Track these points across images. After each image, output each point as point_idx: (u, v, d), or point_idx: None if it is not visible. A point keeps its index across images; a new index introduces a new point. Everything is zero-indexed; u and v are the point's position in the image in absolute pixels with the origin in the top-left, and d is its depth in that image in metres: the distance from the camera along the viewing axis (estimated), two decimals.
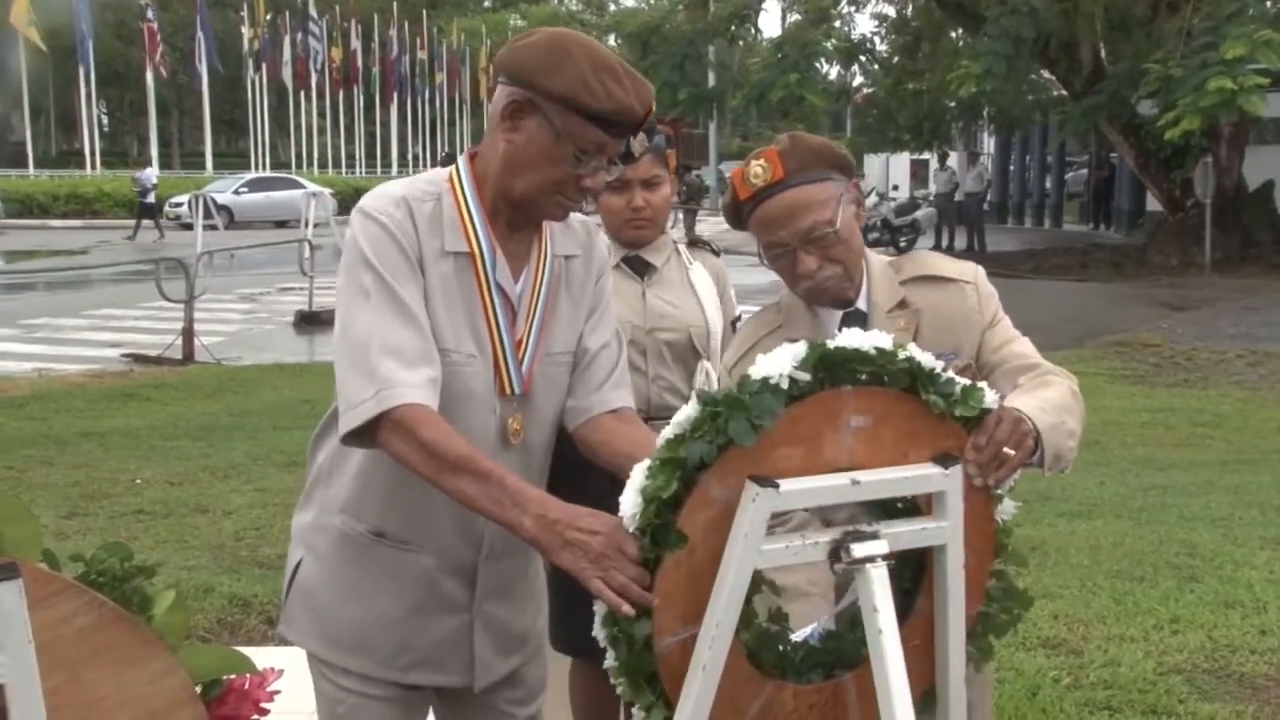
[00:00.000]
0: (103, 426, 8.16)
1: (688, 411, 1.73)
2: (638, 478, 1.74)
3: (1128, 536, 5.57)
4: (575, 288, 2.10)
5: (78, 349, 12.48)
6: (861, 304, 2.23)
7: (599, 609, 1.76)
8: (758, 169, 2.13)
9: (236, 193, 33.51)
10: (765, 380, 1.72)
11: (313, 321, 14.17)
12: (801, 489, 1.79)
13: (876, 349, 1.79)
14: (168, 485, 6.71)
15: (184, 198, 32.53)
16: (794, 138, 2.18)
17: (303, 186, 33.34)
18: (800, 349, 1.75)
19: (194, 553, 5.47)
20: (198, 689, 1.52)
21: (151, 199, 30.17)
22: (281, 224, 30.87)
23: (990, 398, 1.90)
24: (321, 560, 2.06)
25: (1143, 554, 5.30)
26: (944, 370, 1.85)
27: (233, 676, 1.57)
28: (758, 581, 1.79)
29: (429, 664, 2.05)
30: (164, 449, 7.58)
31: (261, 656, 1.68)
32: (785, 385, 1.73)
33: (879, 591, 1.81)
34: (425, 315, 1.90)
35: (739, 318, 3.26)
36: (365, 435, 1.84)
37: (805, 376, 1.74)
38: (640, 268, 3.06)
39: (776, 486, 1.73)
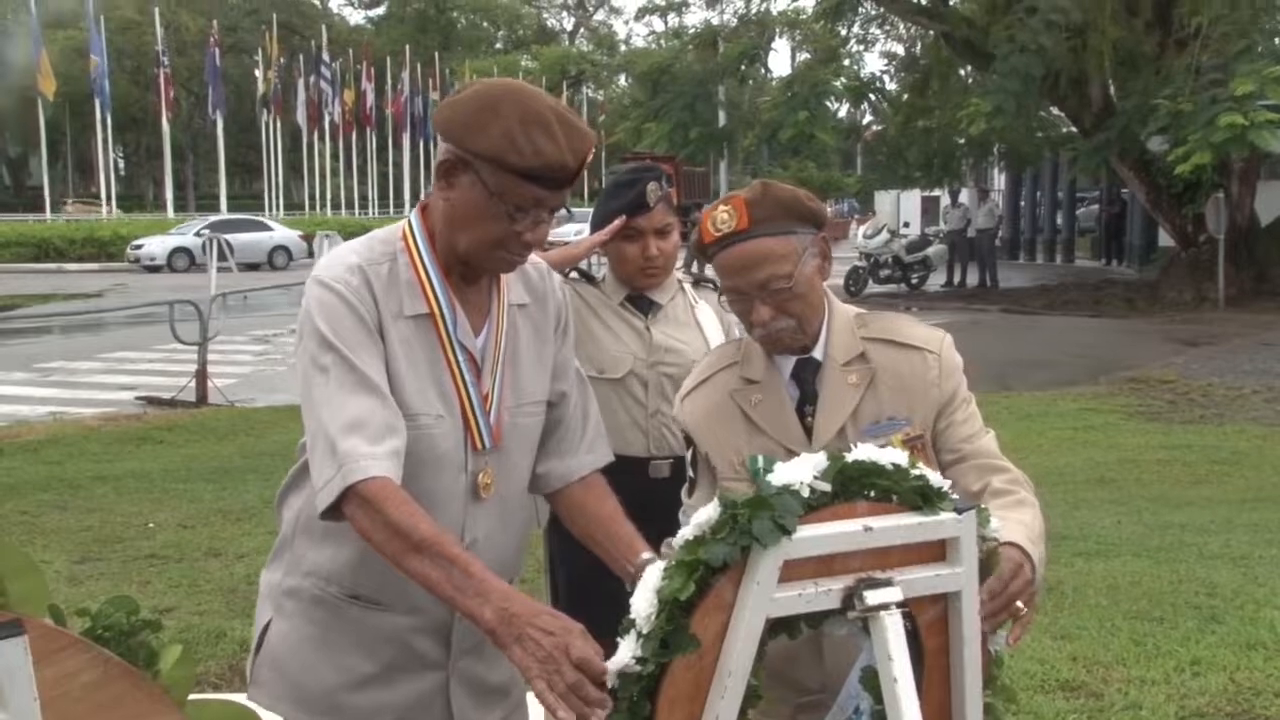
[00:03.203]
0: (116, 470, 8.16)
1: (708, 513, 1.73)
2: (652, 578, 1.73)
3: (1146, 576, 5.52)
4: (537, 335, 2.09)
5: (92, 392, 12.52)
6: (817, 353, 2.20)
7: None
8: (724, 215, 2.10)
9: (198, 234, 32.40)
10: (786, 486, 1.73)
11: None
12: (814, 535, 1.78)
13: (893, 465, 1.82)
14: (180, 529, 6.70)
15: (145, 240, 32.88)
16: (765, 187, 2.15)
17: (269, 229, 33.54)
18: (821, 460, 1.78)
19: (206, 597, 5.45)
20: None
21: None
22: (252, 267, 30.46)
23: (995, 524, 1.92)
24: (290, 622, 2.03)
25: (1162, 594, 5.25)
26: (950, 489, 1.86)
27: None
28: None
29: None
30: (177, 492, 7.58)
31: None
32: (805, 494, 1.74)
33: (893, 640, 1.79)
34: (385, 382, 1.87)
35: None
36: (336, 510, 1.82)
37: (825, 487, 1.76)
38: (644, 306, 3.07)
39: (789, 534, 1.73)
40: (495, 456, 2.00)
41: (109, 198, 44.22)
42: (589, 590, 2.59)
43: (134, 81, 54.18)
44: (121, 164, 65.52)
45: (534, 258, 2.12)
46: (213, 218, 36.84)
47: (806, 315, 2.16)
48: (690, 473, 2.31)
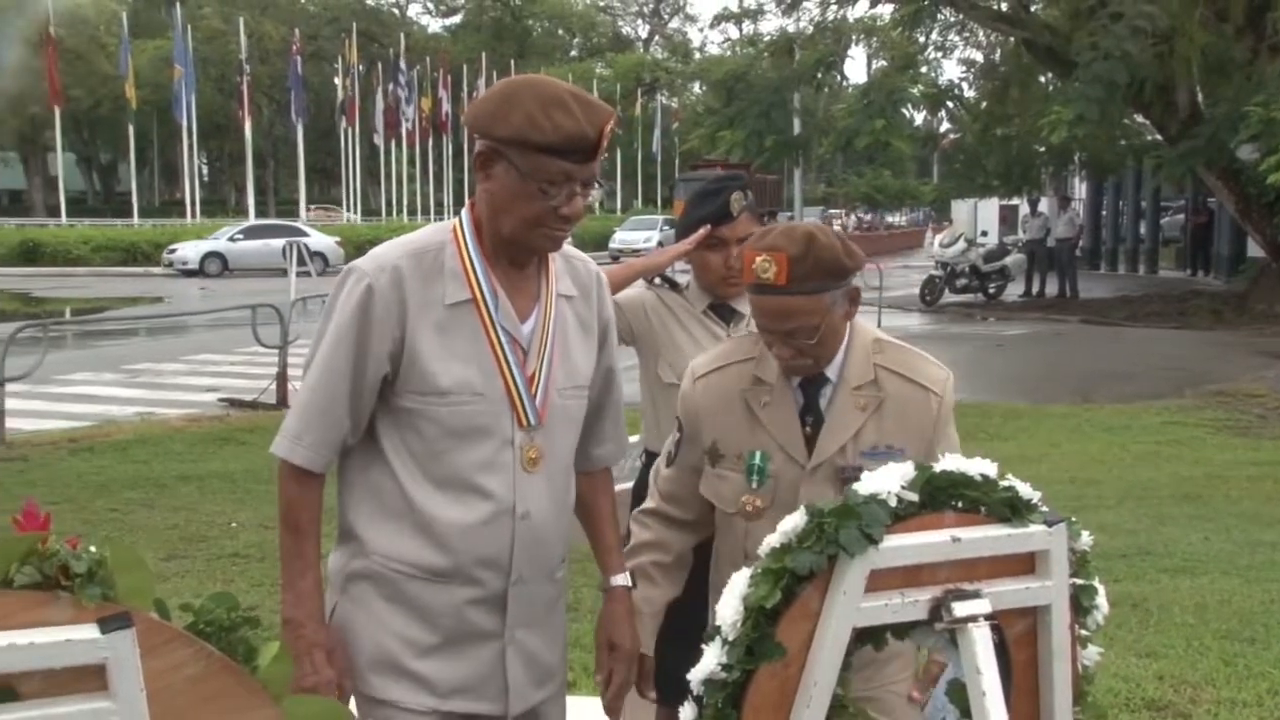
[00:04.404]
0: (200, 470, 8.33)
1: (794, 521, 1.74)
2: (739, 585, 1.74)
3: (1236, 595, 5.40)
4: (583, 325, 2.25)
5: (177, 393, 12.78)
6: (830, 373, 2.30)
7: (685, 716, 1.78)
8: (765, 265, 2.18)
9: (232, 240, 33.29)
10: (873, 495, 1.73)
11: None
12: (901, 545, 1.77)
13: (982, 476, 1.82)
14: (262, 529, 6.81)
15: (179, 245, 33.15)
16: (810, 243, 2.19)
17: (305, 234, 33.39)
18: (908, 469, 1.79)
19: None
20: None
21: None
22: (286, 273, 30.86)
23: (1087, 538, 1.92)
24: (355, 601, 2.15)
25: (1253, 614, 5.13)
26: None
27: None
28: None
29: (467, 691, 2.13)
30: (258, 493, 7.71)
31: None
32: (892, 503, 1.75)
33: (981, 652, 1.78)
34: (359, 379, 2.07)
35: None
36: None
37: (913, 497, 1.76)
38: (726, 315, 3.07)
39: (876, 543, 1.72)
40: (542, 433, 2.14)
41: (192, 203, 45.08)
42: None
43: (218, 89, 55.25)
44: (205, 170, 66.82)
45: (590, 261, 2.32)
46: (246, 222, 37.07)
47: (826, 354, 2.28)
48: (672, 449, 2.46)
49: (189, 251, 32.70)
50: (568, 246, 2.25)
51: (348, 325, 2.07)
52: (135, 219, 43.97)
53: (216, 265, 32.07)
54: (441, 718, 2.12)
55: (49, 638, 1.32)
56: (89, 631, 1.34)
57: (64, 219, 42.59)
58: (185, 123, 42.42)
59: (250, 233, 33.76)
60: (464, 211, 2.17)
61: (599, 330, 2.28)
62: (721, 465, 2.35)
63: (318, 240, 32.96)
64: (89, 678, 1.35)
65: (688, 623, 2.39)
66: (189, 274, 31.53)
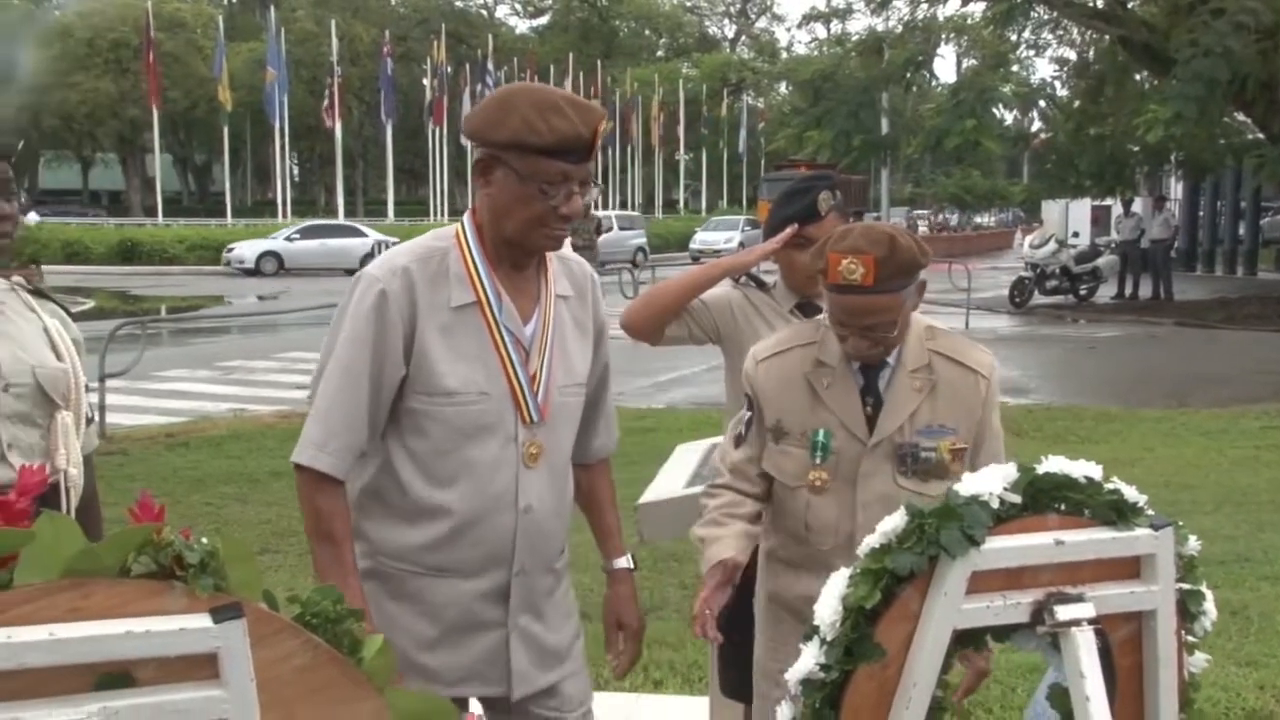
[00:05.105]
0: (291, 466, 8.46)
1: (894, 521, 1.73)
2: (838, 585, 1.73)
3: None
4: (579, 325, 2.34)
5: (269, 390, 13.02)
6: (889, 358, 2.43)
7: (783, 715, 1.77)
8: (853, 267, 2.28)
9: (289, 239, 33.30)
10: (975, 497, 1.72)
11: None
12: (1003, 547, 1.75)
13: (1086, 478, 1.79)
14: None
15: (237, 245, 33.26)
16: (894, 245, 2.30)
17: (363, 234, 33.34)
18: (1011, 470, 1.78)
19: None
20: None
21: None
22: (350, 273, 30.92)
23: (1195, 543, 1.91)
24: (367, 599, 2.21)
25: None
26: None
27: None
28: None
29: (472, 678, 2.24)
30: None
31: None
32: (995, 505, 1.75)
33: (1085, 657, 1.75)
34: (379, 382, 2.14)
35: None
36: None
37: (1015, 499, 1.74)
38: (812, 313, 3.05)
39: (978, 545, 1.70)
40: (544, 429, 2.23)
41: (284, 204, 45.91)
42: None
43: (309, 91, 56.17)
44: (296, 171, 68.03)
45: (584, 263, 2.43)
46: (306, 222, 37.17)
47: (895, 344, 2.42)
48: (742, 430, 2.55)
49: (246, 251, 32.80)
50: (565, 250, 2.35)
51: (364, 329, 2.13)
52: (229, 219, 44.89)
53: (272, 265, 32.21)
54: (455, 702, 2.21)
55: (164, 626, 1.35)
56: (202, 621, 1.37)
57: (160, 219, 43.62)
58: (277, 124, 43.22)
59: (307, 233, 33.90)
60: (466, 218, 2.26)
61: (594, 329, 2.39)
62: (785, 442, 2.47)
63: (376, 240, 33.10)
64: (201, 666, 1.38)
65: (740, 619, 2.51)
66: (248, 273, 31.78)
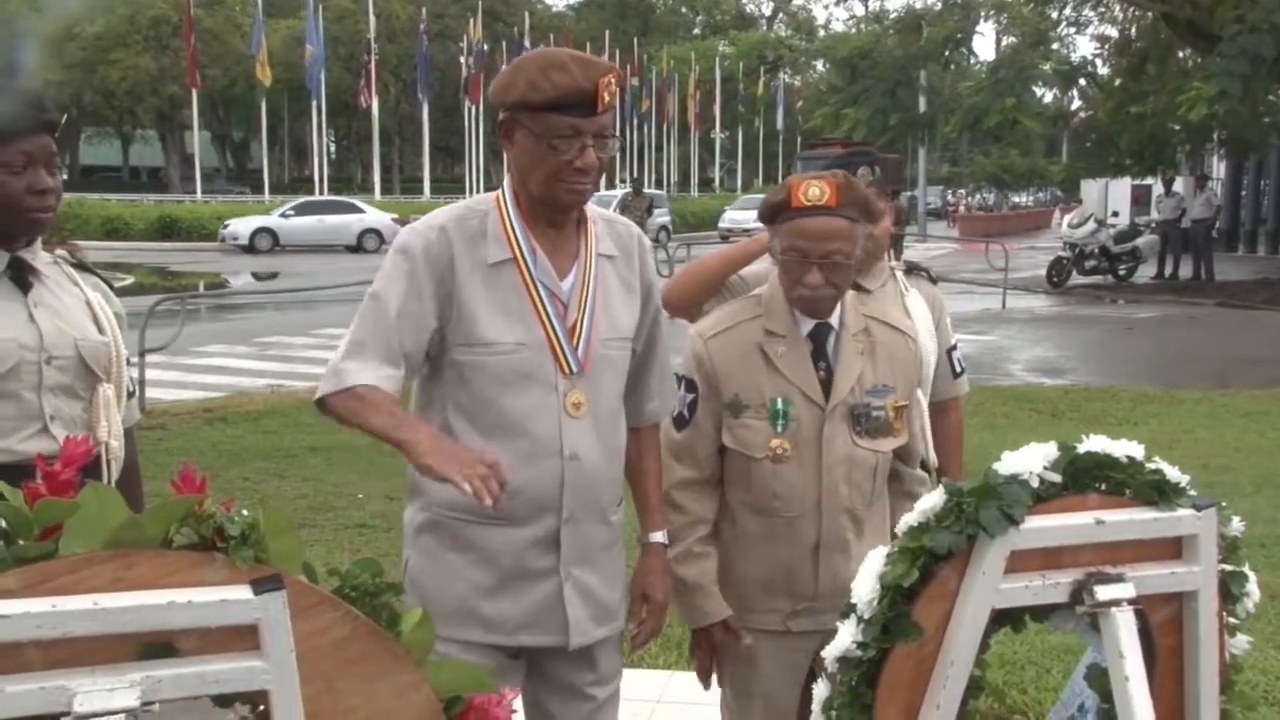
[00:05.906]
0: (327, 441, 8.53)
1: (933, 500, 1.72)
2: (875, 563, 1.73)
3: None
4: (624, 283, 2.40)
5: (306, 366, 13.08)
6: (833, 321, 2.55)
7: (819, 693, 1.78)
8: (817, 190, 2.42)
9: (284, 215, 32.73)
10: (1014, 476, 1.71)
11: None
12: (1042, 527, 1.74)
13: (1128, 457, 1.78)
14: (387, 500, 6.95)
15: (232, 221, 32.74)
16: (850, 180, 2.47)
17: (360, 210, 32.86)
18: (1051, 450, 1.78)
19: None
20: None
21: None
22: (352, 249, 30.42)
23: (1238, 523, 1.91)
24: (424, 553, 2.33)
25: None
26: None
27: (473, 694, 1.61)
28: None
29: (531, 626, 2.30)
30: (383, 464, 7.86)
31: None
32: (1034, 484, 1.74)
33: (1125, 637, 1.74)
34: (406, 310, 2.20)
35: (954, 346, 3.19)
36: (323, 404, 2.22)
37: (1055, 478, 1.73)
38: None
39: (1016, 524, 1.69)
40: (584, 380, 2.29)
41: (321, 180, 46.07)
42: None
43: (346, 69, 56.30)
44: (333, 148, 68.27)
45: (632, 225, 2.49)
46: (301, 198, 36.58)
47: (844, 287, 2.51)
48: (685, 411, 2.60)
49: (240, 227, 32.21)
50: (610, 213, 2.48)
51: (398, 266, 2.24)
52: (266, 195, 45.09)
53: (267, 241, 31.67)
54: (511, 652, 2.32)
55: (206, 597, 1.37)
56: (243, 592, 1.38)
57: (199, 195, 43.90)
58: (315, 101, 43.33)
59: (303, 209, 33.27)
60: (505, 180, 2.35)
61: (642, 289, 2.44)
62: (745, 415, 2.53)
63: (374, 217, 32.45)
64: (242, 637, 1.39)
65: None
66: (243, 250, 31.24)
